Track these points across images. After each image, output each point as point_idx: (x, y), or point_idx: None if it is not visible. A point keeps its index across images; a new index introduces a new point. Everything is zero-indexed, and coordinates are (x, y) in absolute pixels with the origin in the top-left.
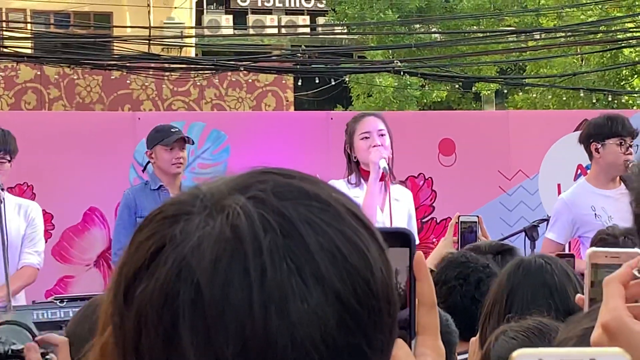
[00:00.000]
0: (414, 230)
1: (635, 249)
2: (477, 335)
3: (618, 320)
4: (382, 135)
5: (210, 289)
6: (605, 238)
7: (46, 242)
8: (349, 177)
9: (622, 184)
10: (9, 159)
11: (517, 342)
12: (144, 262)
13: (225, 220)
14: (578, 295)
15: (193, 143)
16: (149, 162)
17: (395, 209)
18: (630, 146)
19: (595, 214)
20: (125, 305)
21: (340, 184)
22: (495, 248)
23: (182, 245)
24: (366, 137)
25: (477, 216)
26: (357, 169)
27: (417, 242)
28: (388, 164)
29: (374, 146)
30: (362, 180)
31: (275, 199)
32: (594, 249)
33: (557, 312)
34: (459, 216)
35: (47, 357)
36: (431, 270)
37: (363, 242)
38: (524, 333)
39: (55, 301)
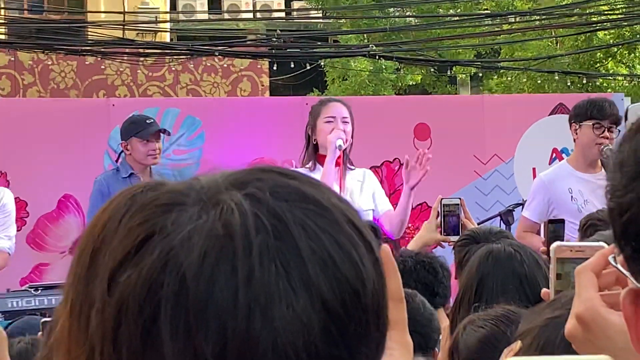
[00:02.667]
0: (383, 201)
1: (600, 243)
2: (448, 323)
3: (592, 310)
4: (345, 122)
5: (195, 283)
6: (596, 224)
7: (20, 229)
8: (306, 163)
9: (602, 169)
10: None
11: (485, 330)
12: (132, 249)
13: (218, 216)
14: (544, 290)
15: (169, 134)
16: (122, 151)
17: (358, 190)
18: (608, 130)
19: (572, 197)
20: (108, 292)
21: (303, 172)
22: (492, 236)
23: (172, 236)
24: (329, 121)
25: (460, 198)
26: (313, 153)
27: (390, 207)
28: (345, 149)
29: (337, 129)
30: (317, 165)
31: (271, 198)
32: (559, 243)
33: (527, 301)
34: (442, 199)
35: None
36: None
37: (357, 252)
38: (492, 321)
39: (30, 289)
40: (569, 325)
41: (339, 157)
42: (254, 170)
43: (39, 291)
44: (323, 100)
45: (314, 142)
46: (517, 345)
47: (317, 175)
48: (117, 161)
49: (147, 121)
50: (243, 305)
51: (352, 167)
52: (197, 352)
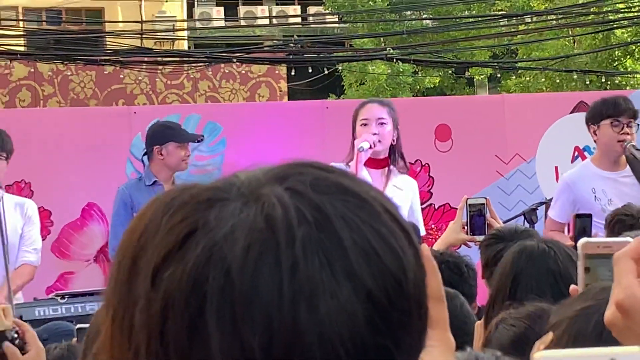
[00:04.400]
0: (419, 221)
1: (627, 238)
2: (482, 319)
3: (632, 297)
4: (381, 123)
5: (240, 277)
6: (623, 219)
7: (45, 239)
8: (348, 161)
9: (627, 166)
10: (5, 156)
11: (517, 328)
12: (175, 245)
13: (260, 210)
14: (572, 287)
15: (203, 140)
16: (144, 155)
17: (396, 198)
18: (628, 125)
19: (595, 196)
20: (153, 288)
21: (340, 166)
22: (518, 235)
23: (215, 231)
24: (365, 124)
25: (485, 198)
26: (353, 154)
27: (424, 233)
28: (394, 149)
29: (374, 134)
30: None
31: (312, 191)
32: (586, 239)
33: (562, 297)
34: (467, 199)
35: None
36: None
37: (398, 243)
38: (524, 319)
39: (56, 298)
40: (609, 313)
41: (369, 158)
42: (293, 165)
43: (65, 299)
44: (363, 102)
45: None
46: (549, 337)
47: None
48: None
49: (182, 127)
50: (288, 297)
51: (402, 172)
52: (244, 344)
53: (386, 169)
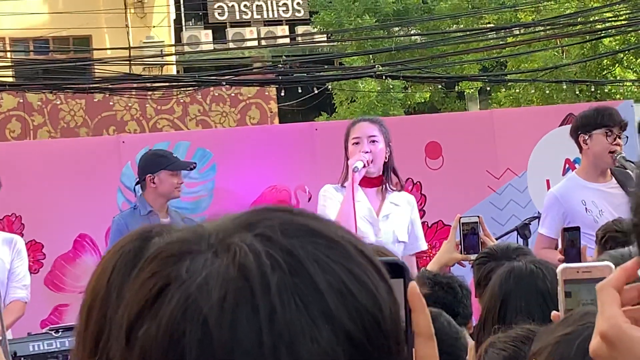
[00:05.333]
0: (420, 237)
1: (607, 262)
2: (473, 343)
3: (616, 328)
4: (373, 141)
5: (218, 328)
6: (614, 236)
7: (38, 271)
8: (343, 182)
9: (612, 177)
10: None
11: (507, 353)
12: (148, 301)
13: (232, 259)
14: (554, 313)
15: (195, 167)
16: (136, 184)
17: (394, 214)
18: (619, 137)
19: (586, 208)
20: (127, 347)
21: (330, 188)
22: (510, 253)
23: (188, 283)
24: (356, 143)
25: (478, 216)
26: (347, 173)
27: (424, 248)
28: (388, 168)
29: (366, 152)
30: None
31: (282, 236)
32: (565, 265)
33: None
34: (460, 218)
35: None
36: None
37: (372, 281)
38: (513, 343)
39: (50, 332)
40: (594, 343)
41: (363, 178)
42: (259, 211)
43: (59, 333)
44: (354, 121)
45: (348, 164)
46: None
47: (342, 193)
48: (135, 197)
49: (173, 155)
50: (268, 345)
51: (394, 189)
52: None
53: (382, 187)
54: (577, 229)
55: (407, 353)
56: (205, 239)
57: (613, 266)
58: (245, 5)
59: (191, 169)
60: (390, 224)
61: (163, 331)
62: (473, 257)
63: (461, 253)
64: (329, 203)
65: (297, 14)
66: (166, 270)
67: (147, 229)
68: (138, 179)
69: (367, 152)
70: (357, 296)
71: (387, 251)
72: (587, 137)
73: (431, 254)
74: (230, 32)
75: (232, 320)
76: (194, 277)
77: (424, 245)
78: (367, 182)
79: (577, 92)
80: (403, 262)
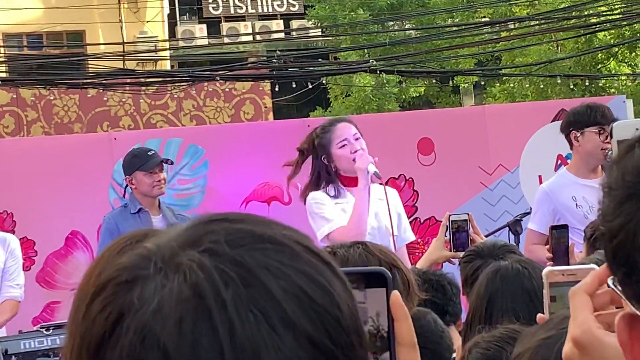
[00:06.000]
0: (407, 228)
1: (591, 265)
2: (461, 343)
3: (588, 333)
4: (357, 139)
5: (178, 353)
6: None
7: (30, 269)
8: (327, 189)
9: (603, 173)
10: None
11: (490, 352)
12: (105, 333)
13: (182, 279)
14: (539, 315)
15: (172, 163)
16: (127, 186)
17: (383, 210)
18: (610, 135)
19: (577, 204)
20: None
21: (321, 195)
22: (496, 251)
23: (142, 311)
24: (344, 145)
25: (468, 214)
26: (335, 178)
27: (413, 238)
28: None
29: (355, 152)
30: (341, 190)
31: (229, 248)
32: (550, 268)
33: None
34: (449, 215)
35: None
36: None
37: (325, 279)
38: (496, 343)
39: (41, 329)
40: (566, 349)
41: (349, 177)
42: (200, 225)
43: (51, 331)
44: (326, 126)
45: (334, 170)
46: None
47: (344, 199)
48: (124, 196)
49: (149, 153)
50: None
51: (375, 182)
52: None
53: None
54: (565, 227)
55: None
56: (153, 262)
57: (598, 268)
58: (239, 0)
59: (165, 163)
60: (380, 219)
61: None
62: (462, 254)
63: (451, 250)
64: (327, 209)
65: (291, 8)
66: (119, 300)
67: (143, 233)
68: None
69: (359, 150)
70: (313, 297)
71: (389, 251)
72: (579, 134)
73: (423, 251)
74: (225, 26)
75: (192, 342)
76: (148, 303)
77: (412, 236)
78: (352, 181)
79: (572, 87)
80: (386, 272)
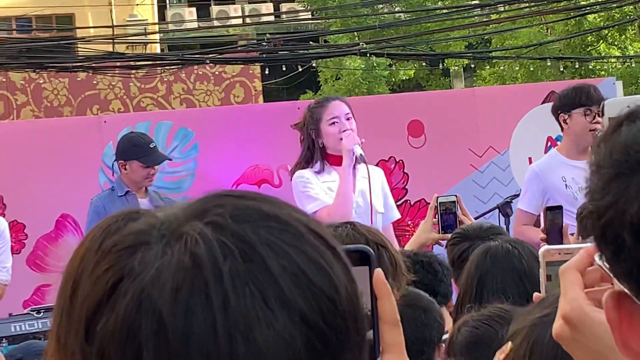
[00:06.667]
0: (393, 206)
1: (588, 244)
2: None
3: (578, 310)
4: (348, 118)
5: (172, 319)
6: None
7: (20, 252)
8: (313, 165)
9: None
10: None
11: (479, 330)
12: (103, 295)
13: (183, 248)
14: (535, 294)
15: (171, 160)
16: (113, 163)
17: (369, 189)
18: (598, 115)
19: (566, 185)
20: (87, 342)
21: (307, 174)
22: (483, 232)
23: (141, 276)
24: (335, 122)
25: (455, 195)
26: (321, 155)
27: (399, 216)
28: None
29: (344, 131)
30: (326, 167)
31: (233, 222)
32: (547, 247)
33: (528, 296)
34: (437, 197)
35: None
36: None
37: (326, 262)
38: (485, 322)
39: (32, 312)
40: (557, 326)
41: (335, 156)
42: (210, 198)
43: (41, 314)
44: (320, 102)
45: (321, 145)
46: (508, 346)
47: (330, 177)
48: (113, 175)
49: (151, 145)
50: (223, 333)
51: (359, 162)
52: None
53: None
54: (560, 208)
55: (372, 339)
56: (157, 230)
57: None
58: None
59: (170, 160)
60: (366, 197)
61: (120, 326)
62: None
63: (439, 232)
64: (312, 187)
65: None
66: (120, 264)
67: (134, 211)
68: (115, 159)
69: (348, 129)
70: (312, 278)
71: (377, 231)
72: (566, 117)
73: (413, 233)
74: (215, 9)
75: (186, 310)
76: (147, 269)
77: (397, 214)
78: (338, 160)
79: (562, 69)
80: (369, 250)
